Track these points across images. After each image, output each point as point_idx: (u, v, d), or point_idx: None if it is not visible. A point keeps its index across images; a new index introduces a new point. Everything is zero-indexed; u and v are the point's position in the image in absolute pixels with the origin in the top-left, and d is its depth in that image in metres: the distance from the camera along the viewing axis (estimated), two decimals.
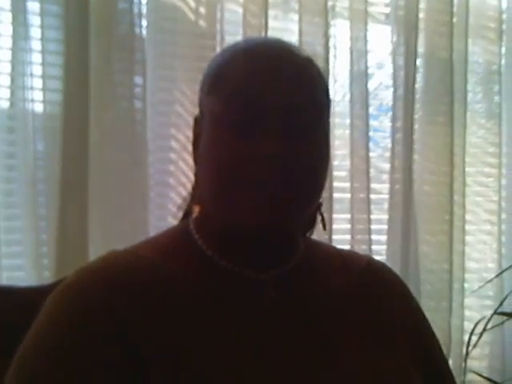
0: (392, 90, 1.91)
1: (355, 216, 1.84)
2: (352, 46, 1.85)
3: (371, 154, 1.87)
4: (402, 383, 0.78)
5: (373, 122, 1.92)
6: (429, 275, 1.94)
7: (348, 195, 1.85)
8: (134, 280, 0.73)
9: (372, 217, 1.86)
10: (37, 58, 1.50)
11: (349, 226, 1.85)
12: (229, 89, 0.72)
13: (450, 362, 1.89)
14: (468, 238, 2.03)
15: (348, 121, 1.85)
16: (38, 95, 1.51)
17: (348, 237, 1.84)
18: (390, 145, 1.91)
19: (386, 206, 1.92)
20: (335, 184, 1.81)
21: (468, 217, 2.02)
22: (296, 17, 1.76)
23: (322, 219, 0.85)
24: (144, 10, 1.61)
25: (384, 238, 1.91)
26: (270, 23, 1.71)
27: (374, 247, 1.86)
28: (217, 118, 0.73)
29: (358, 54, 1.85)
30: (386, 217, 1.91)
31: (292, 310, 0.77)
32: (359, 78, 1.85)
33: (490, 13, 2.08)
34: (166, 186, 1.66)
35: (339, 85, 1.87)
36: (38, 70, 1.50)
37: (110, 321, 0.69)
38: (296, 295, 0.78)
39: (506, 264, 2.02)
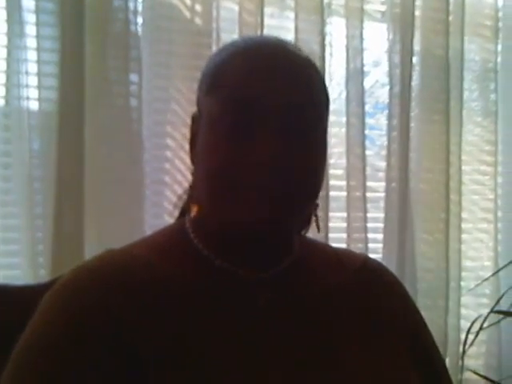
0: (388, 87, 1.90)
1: (351, 214, 1.84)
2: (348, 43, 1.84)
3: (367, 152, 1.87)
4: (401, 383, 0.78)
5: (369, 120, 1.92)
6: (425, 273, 1.94)
7: (344, 193, 1.85)
8: (130, 279, 0.72)
9: (368, 215, 1.85)
10: (32, 55, 1.50)
11: (345, 225, 1.84)
12: (227, 90, 0.72)
13: (447, 360, 1.89)
14: (464, 236, 2.03)
15: (344, 119, 1.84)
16: (34, 93, 1.50)
17: (344, 235, 1.84)
18: (386, 143, 1.91)
19: (382, 204, 1.91)
20: (331, 182, 1.81)
21: (464, 215, 2.02)
22: (292, 15, 1.76)
23: (317, 220, 0.85)
24: (139, 7, 1.61)
25: (380, 236, 1.91)
26: (266, 21, 1.71)
27: (370, 245, 1.86)
28: (215, 120, 0.72)
29: (354, 51, 1.84)
30: (382, 215, 1.91)
31: (289, 310, 0.76)
32: (355, 75, 1.84)
33: (486, 11, 2.08)
34: (161, 184, 1.66)
35: (335, 83, 1.86)
36: (33, 67, 1.50)
37: (106, 320, 0.68)
38: (292, 294, 0.78)
39: (503, 262, 2.01)
